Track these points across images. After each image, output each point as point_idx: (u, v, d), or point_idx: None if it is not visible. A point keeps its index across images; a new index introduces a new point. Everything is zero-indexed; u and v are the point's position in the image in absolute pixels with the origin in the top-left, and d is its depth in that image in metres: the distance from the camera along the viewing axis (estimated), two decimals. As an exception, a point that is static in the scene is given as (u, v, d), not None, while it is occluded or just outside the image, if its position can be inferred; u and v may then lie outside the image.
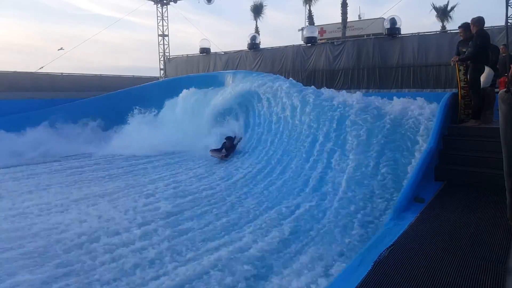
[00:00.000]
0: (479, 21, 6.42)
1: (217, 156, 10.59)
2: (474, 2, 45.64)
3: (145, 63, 62.18)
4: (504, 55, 9.04)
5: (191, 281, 4.25)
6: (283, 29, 62.95)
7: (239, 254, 4.80)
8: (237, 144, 11.15)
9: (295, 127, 9.68)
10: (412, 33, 12.90)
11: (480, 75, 6.61)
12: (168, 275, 4.39)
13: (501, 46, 9.14)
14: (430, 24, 59.20)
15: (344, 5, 22.73)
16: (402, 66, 12.72)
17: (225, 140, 10.88)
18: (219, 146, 11.02)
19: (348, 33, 23.02)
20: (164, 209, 6.63)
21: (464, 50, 6.75)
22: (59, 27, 54.03)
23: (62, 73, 16.62)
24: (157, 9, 20.90)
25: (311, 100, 9.53)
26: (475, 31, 6.43)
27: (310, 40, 14.95)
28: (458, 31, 11.14)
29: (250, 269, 4.44)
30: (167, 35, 21.05)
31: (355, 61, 13.74)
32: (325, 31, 25.98)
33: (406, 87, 12.50)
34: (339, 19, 23.56)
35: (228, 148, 10.71)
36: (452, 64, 7.03)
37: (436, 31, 13.39)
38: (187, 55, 19.86)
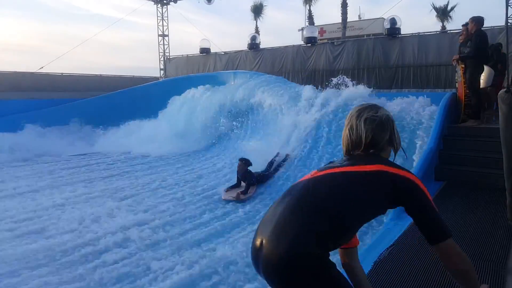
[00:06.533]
0: (479, 20, 6.44)
1: (231, 197, 6.88)
2: (474, 2, 45.69)
3: (145, 63, 62.32)
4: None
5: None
6: (283, 29, 63.12)
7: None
8: (268, 174, 7.68)
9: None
10: (412, 33, 12.87)
11: (480, 75, 6.61)
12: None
13: None
14: (430, 24, 59.32)
15: (344, 5, 22.76)
16: (402, 66, 12.69)
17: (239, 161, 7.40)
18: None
19: (348, 33, 23.02)
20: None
21: (465, 51, 6.75)
22: (59, 27, 54.18)
23: (62, 73, 16.58)
24: (157, 9, 20.88)
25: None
26: (473, 30, 6.44)
27: (310, 40, 14.92)
28: (458, 31, 11.20)
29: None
30: (167, 35, 21.02)
31: (355, 61, 13.71)
32: (325, 31, 25.98)
33: (406, 87, 12.47)
34: (339, 19, 23.60)
35: (243, 179, 7.27)
36: (454, 64, 7.03)
37: (436, 31, 13.36)
38: (187, 55, 19.83)
